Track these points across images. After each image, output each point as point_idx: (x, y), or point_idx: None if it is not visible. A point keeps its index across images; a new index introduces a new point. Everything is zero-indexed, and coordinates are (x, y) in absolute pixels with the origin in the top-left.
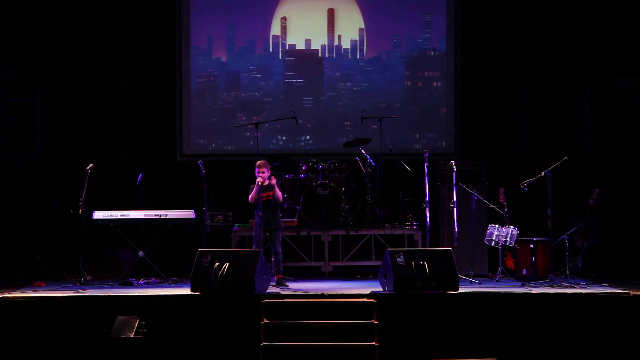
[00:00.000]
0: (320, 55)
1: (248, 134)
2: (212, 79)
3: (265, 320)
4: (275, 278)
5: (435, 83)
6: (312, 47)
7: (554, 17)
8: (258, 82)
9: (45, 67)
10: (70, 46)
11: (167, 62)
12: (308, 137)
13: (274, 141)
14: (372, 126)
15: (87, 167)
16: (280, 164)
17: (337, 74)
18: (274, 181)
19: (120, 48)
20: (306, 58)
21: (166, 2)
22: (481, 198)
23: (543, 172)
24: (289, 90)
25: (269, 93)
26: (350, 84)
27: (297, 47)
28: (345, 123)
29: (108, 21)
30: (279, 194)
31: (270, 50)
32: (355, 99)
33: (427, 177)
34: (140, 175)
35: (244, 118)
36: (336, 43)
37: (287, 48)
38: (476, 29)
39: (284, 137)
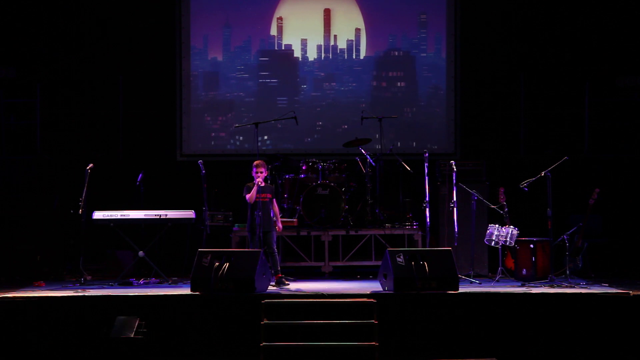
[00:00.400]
0: (295, 55)
1: (213, 134)
2: (207, 78)
3: (265, 320)
4: (274, 278)
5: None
6: (308, 47)
7: (554, 17)
8: (245, 83)
9: (45, 67)
10: (70, 46)
11: (167, 62)
12: (265, 137)
13: (231, 141)
14: (343, 126)
15: (87, 167)
16: (280, 163)
17: (322, 74)
18: (276, 207)
19: (120, 48)
20: (282, 58)
21: (166, 2)
22: (481, 198)
23: (543, 172)
24: (264, 91)
25: (252, 93)
26: (335, 84)
27: (293, 47)
28: (318, 123)
29: (108, 21)
30: (276, 209)
31: (267, 50)
32: (341, 99)
33: (427, 177)
34: (140, 175)
35: (220, 118)
36: (332, 43)
37: (283, 48)
38: (476, 29)
39: (241, 138)
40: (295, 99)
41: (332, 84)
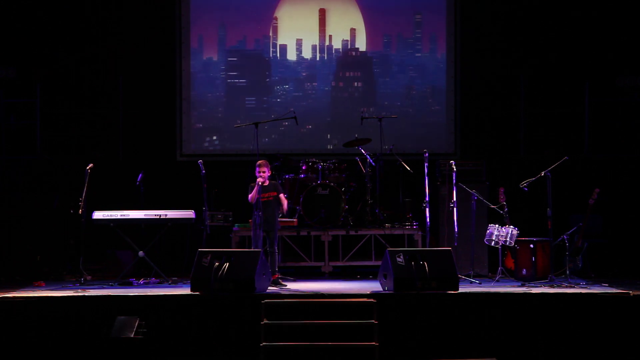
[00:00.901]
0: (264, 56)
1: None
2: (202, 78)
3: (265, 320)
4: (271, 278)
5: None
6: (304, 47)
7: (554, 17)
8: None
9: (45, 67)
10: (71, 46)
11: (167, 62)
12: (215, 137)
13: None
14: (307, 126)
15: (87, 167)
16: (280, 164)
17: (304, 74)
18: (284, 200)
19: (120, 48)
20: (252, 59)
21: (166, 2)
22: (481, 198)
23: (543, 172)
24: (231, 92)
25: (225, 93)
26: (316, 84)
27: (288, 47)
28: (284, 123)
29: (108, 21)
30: (284, 204)
31: (261, 50)
32: (322, 99)
33: (427, 177)
34: (140, 175)
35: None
36: (327, 43)
37: (278, 48)
38: (476, 28)
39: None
40: (264, 99)
41: (313, 84)
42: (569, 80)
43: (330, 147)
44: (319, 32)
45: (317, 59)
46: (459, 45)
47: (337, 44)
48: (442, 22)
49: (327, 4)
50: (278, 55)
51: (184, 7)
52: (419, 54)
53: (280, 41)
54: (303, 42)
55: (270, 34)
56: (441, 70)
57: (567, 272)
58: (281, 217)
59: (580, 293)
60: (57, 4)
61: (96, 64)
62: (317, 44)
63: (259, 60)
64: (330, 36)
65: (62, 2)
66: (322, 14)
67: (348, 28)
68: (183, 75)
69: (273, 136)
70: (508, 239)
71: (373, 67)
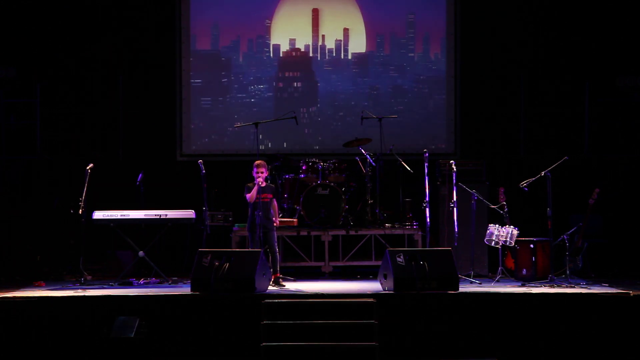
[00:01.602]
0: (235, 58)
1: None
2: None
3: (265, 320)
4: (272, 277)
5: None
6: (297, 47)
7: (554, 17)
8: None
9: (45, 67)
10: (70, 46)
11: (167, 62)
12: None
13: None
14: (251, 130)
15: (87, 167)
16: (280, 163)
17: (287, 74)
18: (276, 208)
19: (120, 48)
20: (211, 60)
21: (166, 2)
22: (481, 198)
23: (543, 172)
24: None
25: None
26: (282, 84)
27: (282, 48)
28: (258, 124)
29: (108, 21)
30: (276, 207)
31: (254, 51)
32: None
33: (427, 177)
34: (140, 175)
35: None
36: (320, 43)
37: (272, 48)
38: (476, 29)
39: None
40: (219, 99)
41: (286, 84)
42: (569, 80)
43: (262, 148)
44: (312, 32)
45: (314, 57)
46: (459, 45)
47: (330, 44)
48: (441, 22)
49: (321, 4)
50: (271, 54)
51: (184, 7)
52: (413, 54)
53: (273, 41)
54: (296, 42)
55: (264, 34)
56: (441, 70)
57: (567, 272)
58: (281, 217)
59: (580, 293)
60: (57, 4)
61: (96, 64)
62: (310, 43)
63: (259, 60)
64: (323, 36)
65: (62, 2)
66: (316, 13)
67: (342, 28)
68: (183, 75)
69: (213, 136)
70: (508, 239)
71: (360, 67)
